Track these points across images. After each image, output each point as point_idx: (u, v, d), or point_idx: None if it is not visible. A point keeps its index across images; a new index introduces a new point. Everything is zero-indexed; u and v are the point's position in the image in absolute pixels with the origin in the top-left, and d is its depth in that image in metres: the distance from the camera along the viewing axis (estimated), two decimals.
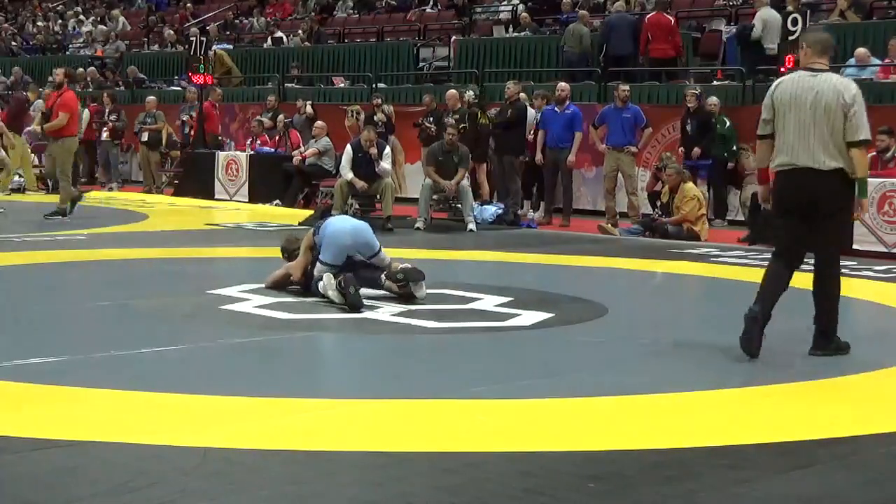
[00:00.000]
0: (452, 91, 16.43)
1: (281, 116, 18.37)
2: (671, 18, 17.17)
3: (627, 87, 14.80)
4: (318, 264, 8.30)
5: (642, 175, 15.53)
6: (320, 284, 8.08)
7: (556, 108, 15.05)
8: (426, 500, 3.97)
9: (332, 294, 7.91)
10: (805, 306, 8.85)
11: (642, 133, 14.86)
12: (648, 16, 17.12)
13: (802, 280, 9.93)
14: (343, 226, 8.54)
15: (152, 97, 20.53)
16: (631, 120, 14.59)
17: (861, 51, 14.75)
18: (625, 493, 4.08)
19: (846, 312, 8.73)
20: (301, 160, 16.72)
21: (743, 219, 14.39)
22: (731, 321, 8.31)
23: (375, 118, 16.83)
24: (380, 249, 8.48)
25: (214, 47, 22.80)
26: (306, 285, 8.37)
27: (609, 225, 14.19)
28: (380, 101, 17.31)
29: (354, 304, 7.77)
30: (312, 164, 16.69)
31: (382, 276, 8.32)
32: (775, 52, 16.15)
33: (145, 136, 19.55)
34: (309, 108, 18.60)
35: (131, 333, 6.95)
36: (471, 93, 16.41)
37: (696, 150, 14.31)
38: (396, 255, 9.95)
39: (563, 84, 15.45)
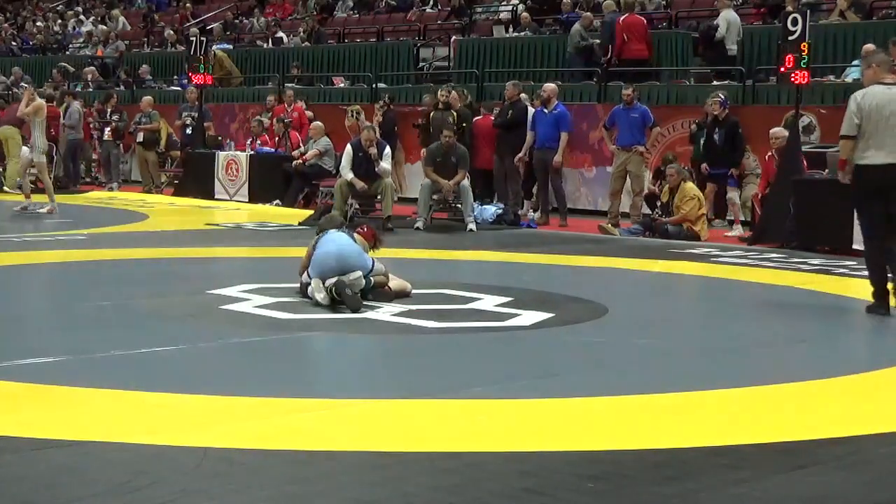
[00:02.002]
0: (451, 92, 16.42)
1: (277, 118, 18.35)
2: (644, 19, 17.25)
3: (630, 90, 14.76)
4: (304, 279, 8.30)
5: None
6: (309, 289, 8.08)
7: (544, 109, 15.06)
8: (426, 500, 3.97)
9: (321, 297, 7.90)
10: (805, 306, 8.87)
11: (650, 132, 14.85)
12: (622, 17, 17.14)
13: (802, 280, 9.96)
14: (329, 249, 8.13)
15: (147, 97, 20.53)
16: (639, 120, 14.58)
17: (869, 46, 14.75)
18: (625, 493, 4.08)
19: (846, 312, 8.75)
20: (302, 162, 16.71)
21: (743, 219, 14.38)
22: (731, 321, 8.34)
23: (374, 119, 16.87)
24: (372, 268, 8.18)
25: (214, 47, 22.83)
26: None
27: (609, 225, 14.19)
28: (383, 101, 17.32)
29: (354, 305, 7.77)
30: (312, 164, 16.69)
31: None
32: (735, 52, 16.29)
33: (140, 136, 19.54)
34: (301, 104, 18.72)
35: (131, 333, 6.94)
36: (449, 91, 16.40)
37: (733, 171, 14.10)
38: (396, 255, 9.96)
39: (547, 84, 15.46)
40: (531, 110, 15.59)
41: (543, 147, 14.98)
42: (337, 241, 8.19)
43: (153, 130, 19.64)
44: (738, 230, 13.91)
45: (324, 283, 7.90)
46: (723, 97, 14.26)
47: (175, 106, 21.14)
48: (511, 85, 15.69)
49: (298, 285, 8.39)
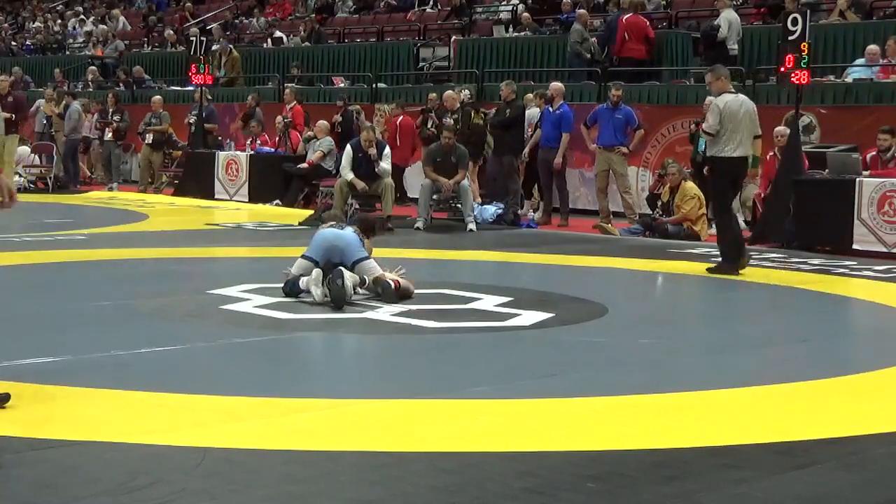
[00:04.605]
0: (450, 92, 16.45)
1: (279, 118, 18.37)
2: (646, 20, 17.27)
3: (619, 91, 14.73)
4: (297, 259, 8.36)
5: (642, 175, 15.55)
6: (303, 280, 8.11)
7: (549, 108, 15.10)
8: (425, 500, 3.97)
9: (316, 291, 7.91)
10: (805, 306, 8.88)
11: (634, 134, 14.86)
12: (625, 17, 17.20)
13: (800, 279, 9.96)
14: (326, 233, 8.48)
15: (158, 97, 20.51)
16: (622, 121, 14.60)
17: (872, 47, 14.79)
18: (625, 493, 4.07)
19: (846, 312, 8.76)
20: (308, 166, 16.70)
21: (743, 218, 14.38)
22: (732, 321, 8.34)
23: (333, 119, 17.01)
24: (364, 259, 8.30)
25: (217, 45, 22.87)
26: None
27: (608, 224, 14.19)
28: (340, 103, 17.49)
29: (338, 298, 7.80)
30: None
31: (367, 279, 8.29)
32: (736, 51, 16.31)
33: (150, 138, 19.54)
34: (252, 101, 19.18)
35: (131, 333, 6.94)
36: (466, 92, 16.43)
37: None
38: (396, 255, 9.97)
39: (553, 84, 15.48)
40: (531, 110, 15.63)
41: (546, 146, 15.02)
42: (335, 229, 8.51)
43: (162, 132, 19.65)
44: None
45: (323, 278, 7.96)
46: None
47: (175, 105, 21.18)
48: (504, 85, 15.71)
49: (282, 284, 8.38)
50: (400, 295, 8.22)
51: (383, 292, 8.13)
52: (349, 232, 8.49)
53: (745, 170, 10.64)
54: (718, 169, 10.32)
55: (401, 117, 17.03)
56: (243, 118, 19.43)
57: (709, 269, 10.32)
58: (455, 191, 14.32)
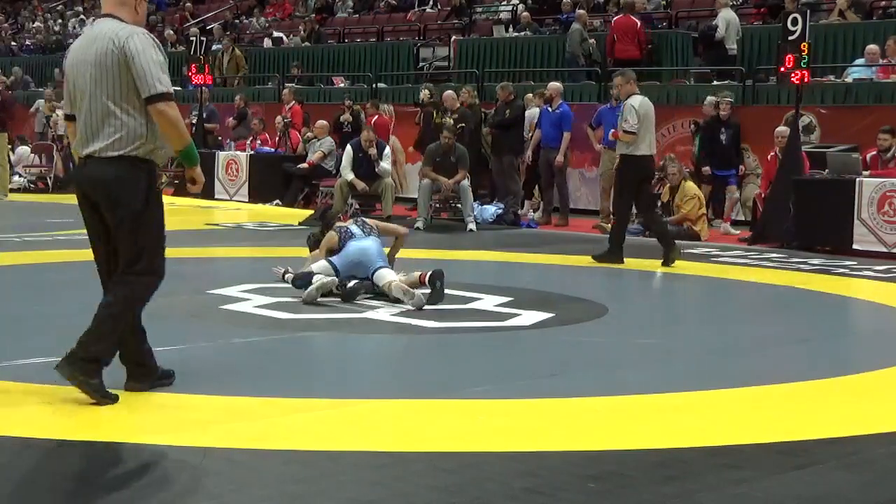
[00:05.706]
0: (450, 92, 16.44)
1: (279, 118, 18.39)
2: (637, 21, 17.29)
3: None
4: (322, 261, 8.47)
5: None
6: (318, 276, 8.19)
7: (548, 108, 15.12)
8: (426, 500, 3.97)
9: (315, 294, 7.98)
10: (805, 306, 8.88)
11: None
12: (615, 18, 17.28)
13: (801, 279, 9.96)
14: (350, 248, 8.57)
15: None
16: None
17: (872, 47, 14.82)
18: (625, 493, 4.08)
19: (846, 312, 8.75)
20: (308, 166, 16.71)
21: (743, 218, 14.39)
22: (731, 321, 8.34)
23: (342, 119, 17.04)
24: (382, 267, 8.43)
25: (216, 46, 22.87)
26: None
27: (608, 224, 14.19)
28: (350, 102, 17.55)
29: (352, 293, 8.02)
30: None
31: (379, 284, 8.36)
32: (735, 51, 16.36)
33: None
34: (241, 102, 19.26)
35: None
36: (426, 92, 16.53)
37: (742, 167, 14.44)
38: (396, 255, 9.94)
39: (551, 84, 15.51)
40: (530, 110, 15.64)
41: (547, 146, 15.03)
42: (362, 241, 8.61)
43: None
44: (725, 227, 14.02)
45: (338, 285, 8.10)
46: (732, 98, 14.38)
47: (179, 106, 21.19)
48: (500, 88, 15.74)
49: (290, 283, 8.41)
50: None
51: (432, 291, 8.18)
52: (373, 244, 8.60)
53: (654, 167, 11.42)
54: (633, 166, 10.79)
55: (376, 117, 17.04)
56: (237, 118, 19.43)
57: (594, 257, 10.94)
58: (455, 191, 14.32)
